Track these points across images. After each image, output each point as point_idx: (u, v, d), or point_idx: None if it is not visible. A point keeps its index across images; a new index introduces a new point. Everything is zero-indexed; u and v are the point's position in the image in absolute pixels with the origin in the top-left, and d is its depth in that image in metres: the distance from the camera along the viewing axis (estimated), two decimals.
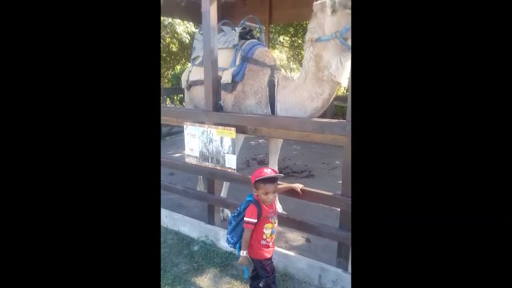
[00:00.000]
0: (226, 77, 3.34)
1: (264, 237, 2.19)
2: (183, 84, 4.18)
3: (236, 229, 2.25)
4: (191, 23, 10.02)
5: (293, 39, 13.11)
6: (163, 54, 12.11)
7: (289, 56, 16.58)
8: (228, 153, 2.97)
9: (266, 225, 2.18)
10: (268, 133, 2.99)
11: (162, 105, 7.02)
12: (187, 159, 3.37)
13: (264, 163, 5.82)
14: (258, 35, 3.90)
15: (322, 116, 3.09)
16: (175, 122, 3.67)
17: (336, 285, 2.58)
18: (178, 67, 13.51)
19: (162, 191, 3.20)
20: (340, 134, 2.38)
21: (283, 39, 14.02)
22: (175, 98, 10.84)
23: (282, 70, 3.64)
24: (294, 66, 16.79)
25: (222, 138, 2.97)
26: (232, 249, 2.56)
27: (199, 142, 3.16)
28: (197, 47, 4.07)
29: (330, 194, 2.56)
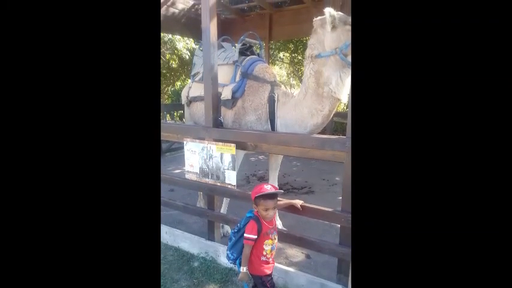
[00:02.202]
0: (226, 93, 3.36)
1: (264, 253, 2.18)
2: (183, 100, 4.20)
3: (236, 245, 2.23)
4: (191, 39, 10.12)
5: (293, 55, 13.21)
6: (163, 71, 12.20)
7: (289, 72, 16.69)
8: (228, 169, 2.97)
9: (266, 241, 2.17)
10: (268, 149, 2.98)
11: (162, 121, 7.04)
12: (187, 176, 3.36)
13: (264, 179, 5.81)
14: (258, 51, 3.94)
15: (322, 132, 3.10)
16: (175, 138, 3.67)
17: None
18: (178, 83, 13.59)
19: (162, 207, 3.19)
20: (340, 150, 2.38)
21: (283, 55, 14.13)
22: (175, 114, 10.87)
23: (282, 86, 3.66)
24: (294, 82, 16.89)
25: (222, 155, 2.97)
26: (232, 265, 2.54)
27: (199, 158, 3.16)
28: (197, 63, 4.10)
29: (330, 210, 2.55)
